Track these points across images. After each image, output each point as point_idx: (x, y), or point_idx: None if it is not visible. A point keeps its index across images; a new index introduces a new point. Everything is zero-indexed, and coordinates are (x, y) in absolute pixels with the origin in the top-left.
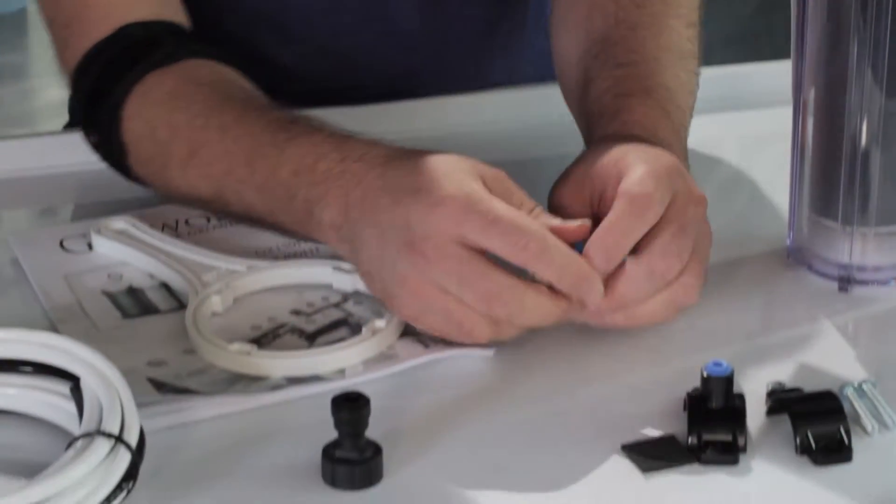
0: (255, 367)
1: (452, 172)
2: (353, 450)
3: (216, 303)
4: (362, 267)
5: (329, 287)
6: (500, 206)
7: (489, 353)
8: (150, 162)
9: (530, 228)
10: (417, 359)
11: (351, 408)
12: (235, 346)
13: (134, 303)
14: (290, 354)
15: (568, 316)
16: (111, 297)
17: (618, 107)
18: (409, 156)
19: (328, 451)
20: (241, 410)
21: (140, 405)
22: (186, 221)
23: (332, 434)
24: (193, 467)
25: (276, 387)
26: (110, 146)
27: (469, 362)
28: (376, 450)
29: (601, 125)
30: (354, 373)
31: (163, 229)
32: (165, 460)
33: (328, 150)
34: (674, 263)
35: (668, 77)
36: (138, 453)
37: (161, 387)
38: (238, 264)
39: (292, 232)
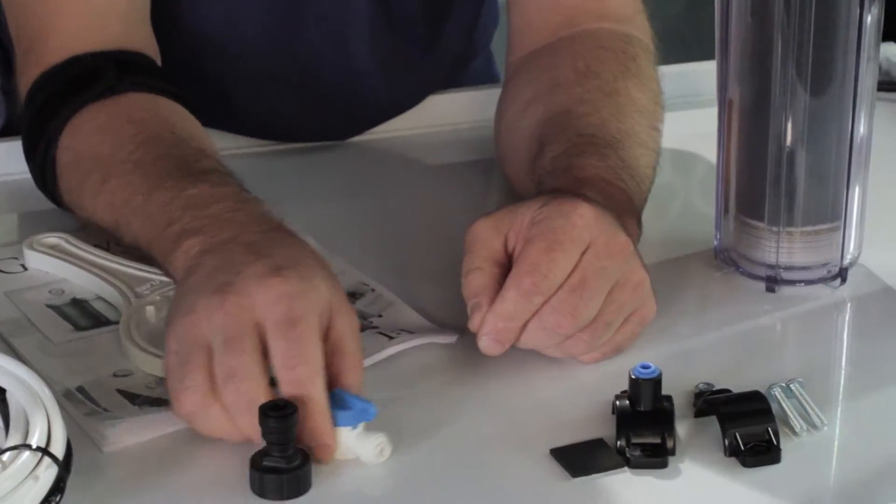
0: None
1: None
2: (280, 459)
3: (150, 313)
4: None
5: None
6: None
7: (452, 339)
8: (72, 191)
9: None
10: (383, 351)
11: (278, 416)
12: None
13: (82, 315)
14: None
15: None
16: (57, 309)
17: (570, 164)
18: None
19: (256, 461)
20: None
21: (118, 418)
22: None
23: (260, 445)
24: (122, 481)
25: None
26: (44, 175)
27: (394, 368)
28: (304, 458)
29: (550, 180)
30: None
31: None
32: (94, 474)
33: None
34: (565, 322)
35: (626, 154)
36: (65, 467)
37: (134, 398)
38: None
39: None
